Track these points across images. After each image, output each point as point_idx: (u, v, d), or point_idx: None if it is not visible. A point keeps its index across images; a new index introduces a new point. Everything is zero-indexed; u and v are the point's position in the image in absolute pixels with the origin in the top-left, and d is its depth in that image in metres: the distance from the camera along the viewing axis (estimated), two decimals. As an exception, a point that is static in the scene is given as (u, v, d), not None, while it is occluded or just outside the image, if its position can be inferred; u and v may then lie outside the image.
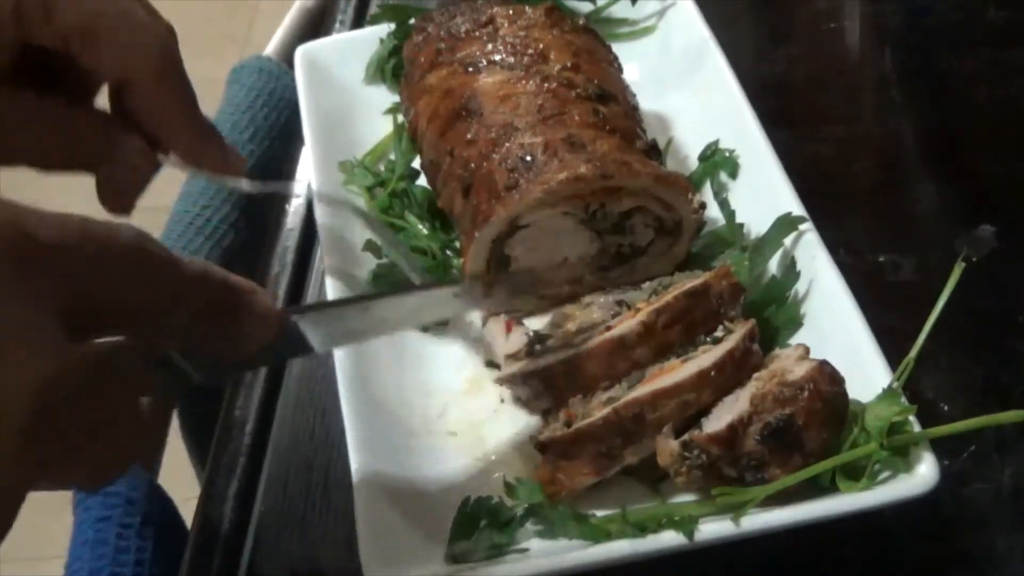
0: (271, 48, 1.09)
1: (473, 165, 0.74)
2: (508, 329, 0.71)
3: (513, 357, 0.69)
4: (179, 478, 0.86)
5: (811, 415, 0.59)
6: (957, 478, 0.66)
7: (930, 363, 0.63)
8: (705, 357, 0.63)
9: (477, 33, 0.82)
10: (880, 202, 0.84)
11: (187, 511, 0.74)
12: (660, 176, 0.72)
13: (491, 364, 0.72)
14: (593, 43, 0.84)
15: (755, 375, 0.62)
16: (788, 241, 0.71)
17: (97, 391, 0.45)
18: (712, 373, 0.61)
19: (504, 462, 0.67)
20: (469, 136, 0.76)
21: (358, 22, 1.04)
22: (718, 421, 0.60)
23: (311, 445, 0.74)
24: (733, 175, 0.79)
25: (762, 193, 0.75)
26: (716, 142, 0.81)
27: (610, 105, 0.78)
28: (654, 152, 0.78)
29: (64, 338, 0.42)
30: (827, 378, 0.60)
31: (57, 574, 0.71)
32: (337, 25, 1.05)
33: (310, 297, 0.82)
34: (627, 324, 0.65)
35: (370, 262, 0.77)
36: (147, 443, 0.49)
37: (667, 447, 0.60)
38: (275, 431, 0.74)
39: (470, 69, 0.80)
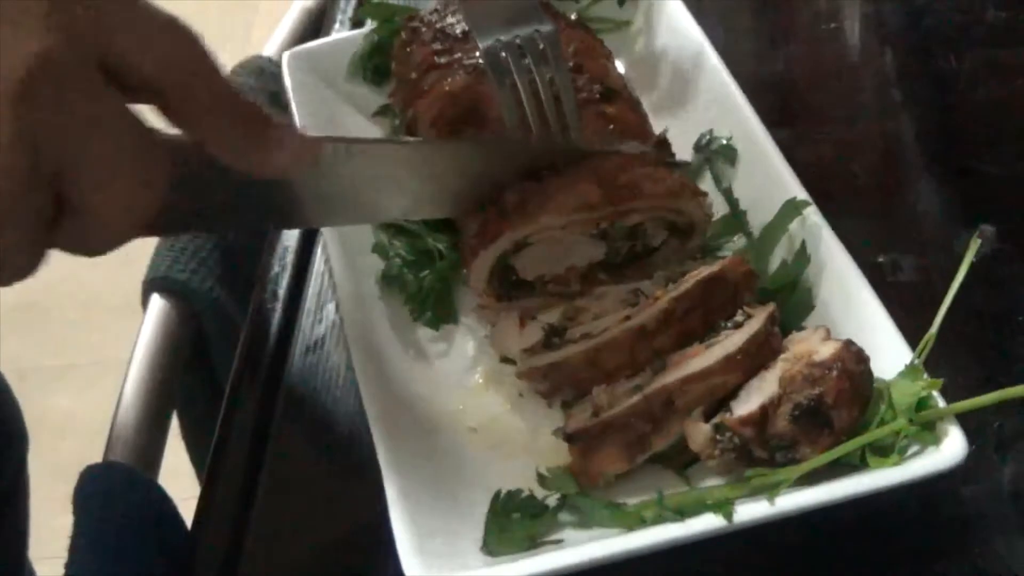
0: (271, 48, 1.09)
1: None
2: (521, 324, 0.71)
3: (530, 351, 0.69)
4: (179, 478, 0.86)
5: (840, 394, 0.60)
6: (957, 478, 0.66)
7: (930, 363, 0.63)
8: (730, 341, 0.64)
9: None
10: (880, 202, 0.84)
11: (187, 511, 0.74)
12: (671, 192, 0.72)
13: (506, 360, 0.72)
14: (588, 38, 0.84)
15: (781, 357, 0.63)
16: (793, 226, 0.72)
17: (93, 99, 0.49)
18: (738, 357, 0.62)
19: (529, 455, 0.67)
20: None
21: (358, 22, 1.04)
22: (747, 404, 0.61)
23: (311, 445, 0.74)
24: (731, 163, 0.80)
25: (762, 179, 0.76)
26: (710, 131, 0.81)
27: (616, 102, 0.78)
28: (664, 146, 0.78)
29: (63, 43, 0.47)
30: (854, 357, 0.61)
31: (57, 574, 0.71)
32: (337, 25, 1.05)
33: (310, 297, 0.82)
34: (647, 313, 0.66)
35: (379, 264, 0.77)
36: (143, 185, 0.52)
37: (699, 431, 0.61)
38: (275, 431, 0.74)
39: (472, 72, 0.79)
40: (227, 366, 0.81)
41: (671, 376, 0.63)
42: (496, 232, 0.71)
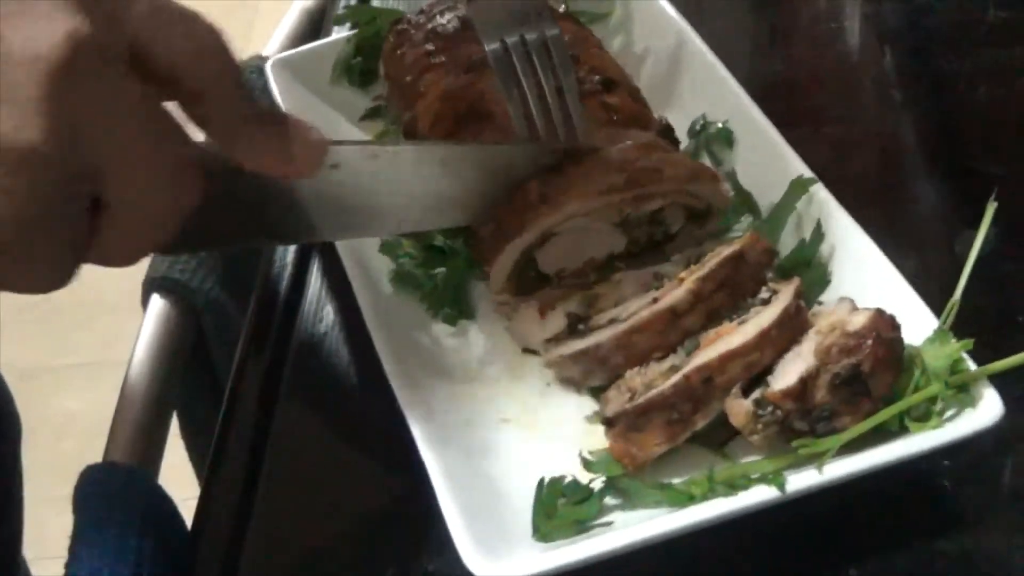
0: (271, 48, 1.09)
1: None
2: (541, 314, 0.72)
3: (553, 341, 0.70)
4: (179, 478, 0.86)
5: (877, 362, 0.61)
6: (957, 478, 0.66)
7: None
8: (763, 317, 0.65)
9: (467, 32, 0.82)
10: (880, 202, 0.84)
11: (187, 511, 0.74)
12: (691, 175, 0.73)
13: (527, 351, 0.73)
14: (579, 29, 0.84)
15: (814, 330, 0.64)
16: (799, 203, 0.73)
17: (126, 87, 0.48)
18: (773, 332, 0.63)
19: (564, 442, 0.68)
20: (482, 139, 0.76)
21: (355, 23, 1.04)
22: (785, 377, 0.62)
23: (311, 444, 0.74)
24: (729, 146, 0.80)
25: (763, 160, 0.77)
26: (703, 116, 0.82)
27: (616, 92, 0.78)
28: (668, 132, 0.78)
29: (90, 25, 0.46)
30: (887, 324, 0.62)
31: (57, 574, 0.71)
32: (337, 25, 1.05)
33: (310, 298, 0.82)
34: (675, 294, 0.67)
35: (388, 264, 0.77)
36: (178, 183, 0.51)
37: (740, 407, 0.62)
38: (275, 430, 0.74)
39: (470, 70, 0.79)
40: (227, 366, 0.81)
41: (708, 354, 0.64)
42: (522, 224, 0.71)
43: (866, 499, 0.65)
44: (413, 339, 0.74)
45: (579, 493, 0.63)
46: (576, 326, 0.70)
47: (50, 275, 0.50)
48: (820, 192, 0.74)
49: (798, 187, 0.74)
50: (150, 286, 0.91)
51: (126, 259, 0.54)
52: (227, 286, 0.92)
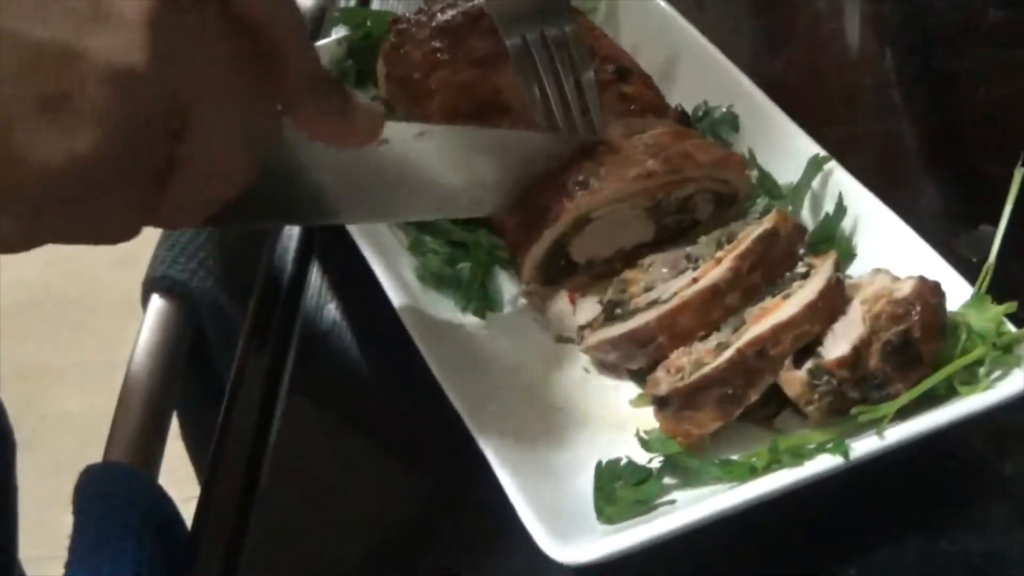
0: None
1: None
2: (572, 302, 0.72)
3: (590, 327, 0.71)
4: (179, 478, 0.86)
5: (926, 328, 0.63)
6: (957, 477, 0.66)
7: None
8: (808, 290, 0.65)
9: (473, 27, 0.82)
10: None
11: (187, 511, 0.74)
12: (721, 161, 0.74)
13: (561, 339, 0.74)
14: (585, 20, 0.84)
15: (858, 300, 0.65)
16: (816, 183, 0.76)
17: (219, 31, 0.48)
18: (820, 304, 0.65)
19: (611, 426, 0.68)
20: None
21: (356, 24, 1.04)
22: (836, 347, 0.63)
23: (312, 444, 0.74)
24: (735, 129, 0.82)
25: (771, 140, 0.79)
26: (705, 102, 0.83)
27: (631, 81, 0.79)
28: (684, 118, 0.79)
29: None
30: (932, 291, 0.64)
31: (57, 574, 0.71)
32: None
33: (310, 297, 0.82)
34: (715, 273, 0.68)
35: (413, 262, 0.77)
36: (257, 137, 0.51)
37: (795, 379, 0.63)
38: (275, 431, 0.74)
39: (481, 64, 0.80)
40: (227, 366, 0.81)
41: (759, 328, 0.64)
42: (561, 210, 0.72)
43: (866, 499, 0.65)
44: (447, 335, 0.73)
45: (638, 474, 0.64)
46: (613, 311, 0.71)
47: (122, 225, 0.49)
48: (836, 169, 0.76)
49: (814, 164, 0.76)
50: (150, 286, 0.91)
51: (190, 217, 0.53)
52: (227, 286, 0.92)
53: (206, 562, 0.69)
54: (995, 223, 0.71)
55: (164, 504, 0.76)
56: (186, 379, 0.89)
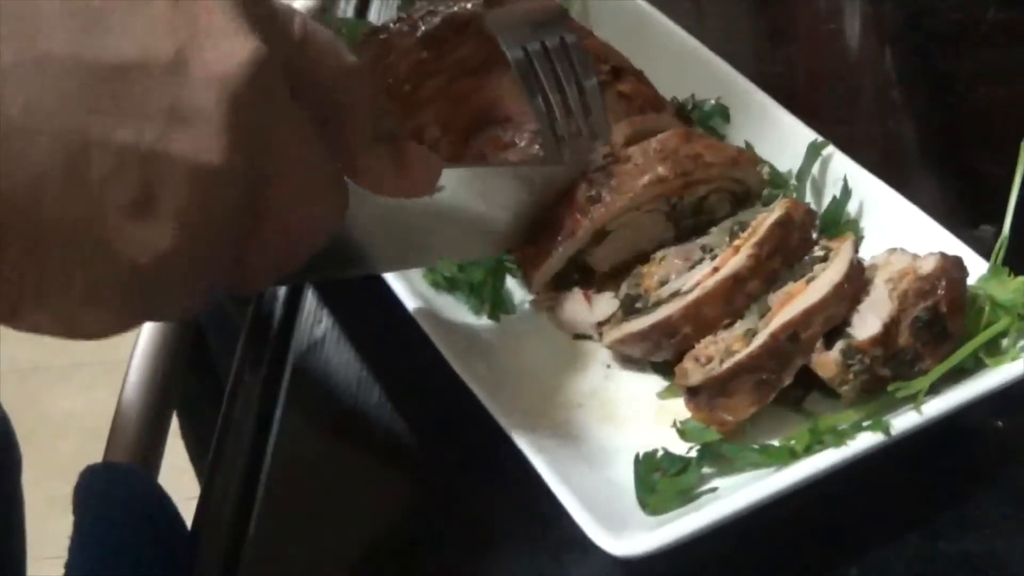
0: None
1: None
2: (588, 300, 0.73)
3: (608, 323, 0.71)
4: (179, 478, 0.86)
5: (952, 302, 0.64)
6: (957, 477, 0.66)
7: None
8: (831, 272, 0.66)
9: (460, 35, 0.82)
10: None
11: (187, 511, 0.74)
12: (731, 160, 0.74)
13: (578, 337, 0.74)
14: (571, 20, 0.84)
15: (881, 279, 0.66)
16: (815, 169, 0.77)
17: (291, 107, 0.49)
18: (845, 285, 0.65)
19: (642, 418, 0.69)
20: (504, 142, 0.76)
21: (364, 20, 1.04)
22: (865, 326, 0.64)
23: (312, 445, 0.74)
24: (727, 121, 0.82)
25: (762, 129, 0.79)
26: (692, 96, 0.83)
27: (626, 79, 0.78)
28: (682, 112, 0.79)
29: (267, 46, 0.47)
30: (954, 265, 0.65)
31: (57, 574, 0.71)
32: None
33: (310, 297, 0.82)
34: (735, 261, 0.68)
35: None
36: (330, 208, 0.52)
37: (828, 360, 0.64)
38: (275, 431, 0.74)
39: (472, 72, 0.79)
40: (227, 366, 0.81)
41: (789, 312, 0.65)
42: (575, 228, 0.72)
43: (866, 499, 0.65)
44: (466, 339, 0.73)
45: (676, 464, 0.64)
46: (632, 305, 0.71)
47: (194, 305, 0.50)
48: (835, 153, 0.77)
49: (814, 150, 0.77)
50: (150, 286, 0.90)
51: (261, 285, 0.53)
52: (227, 286, 0.92)
53: (206, 562, 0.69)
54: (995, 223, 0.71)
55: (164, 504, 0.76)
56: (186, 379, 0.89)
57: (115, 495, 0.74)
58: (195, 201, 0.45)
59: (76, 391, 2.13)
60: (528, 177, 0.72)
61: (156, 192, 0.45)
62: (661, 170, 0.72)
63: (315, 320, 0.79)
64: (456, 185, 0.67)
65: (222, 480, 0.72)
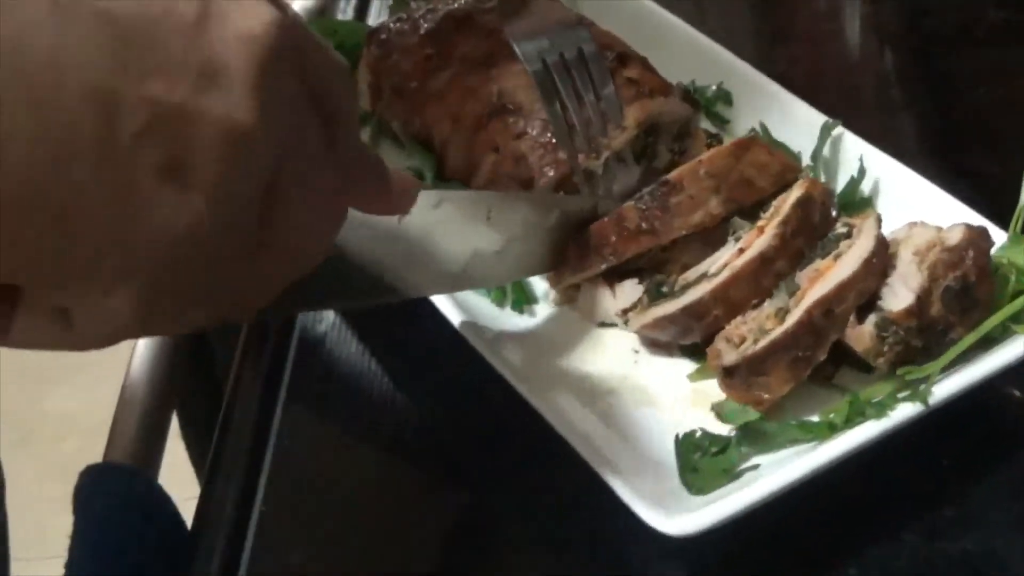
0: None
1: (532, 160, 0.75)
2: (612, 287, 0.73)
3: (633, 308, 0.72)
4: (179, 478, 0.86)
5: (980, 271, 0.65)
6: (957, 477, 0.66)
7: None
8: (859, 248, 0.67)
9: (462, 29, 0.82)
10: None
11: (187, 511, 0.74)
12: (780, 177, 0.74)
13: (604, 324, 0.74)
14: (585, 26, 0.84)
15: (911, 250, 0.67)
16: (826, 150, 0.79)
17: (303, 93, 0.47)
18: (874, 260, 0.66)
19: (677, 400, 0.70)
20: (516, 131, 0.77)
21: (359, 21, 1.04)
22: (897, 298, 0.65)
23: (312, 444, 0.74)
24: (729, 104, 0.84)
25: (767, 113, 0.81)
26: (692, 82, 0.84)
27: (633, 65, 0.79)
28: (688, 96, 0.80)
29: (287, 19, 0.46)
30: (980, 235, 0.67)
31: (57, 574, 0.71)
32: (337, 25, 1.05)
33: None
34: (761, 241, 0.69)
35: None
36: (336, 201, 0.51)
37: (863, 333, 0.65)
38: (275, 430, 0.74)
39: (479, 64, 0.80)
40: (227, 366, 0.81)
41: (821, 289, 0.65)
42: (621, 250, 0.72)
43: (866, 499, 0.65)
44: (491, 330, 0.73)
45: (716, 444, 0.65)
46: (659, 290, 0.71)
47: (206, 314, 0.47)
48: (846, 133, 0.78)
49: (826, 130, 0.78)
50: (150, 286, 0.90)
51: (269, 294, 0.51)
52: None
53: (206, 562, 0.69)
54: (995, 222, 0.71)
55: (164, 504, 0.76)
56: (186, 379, 0.89)
57: (115, 495, 0.74)
58: (224, 164, 0.43)
59: (76, 391, 2.12)
60: (544, 205, 0.72)
61: (188, 153, 0.43)
62: (714, 204, 0.72)
63: (315, 319, 0.79)
64: (454, 209, 0.67)
65: (222, 480, 0.72)
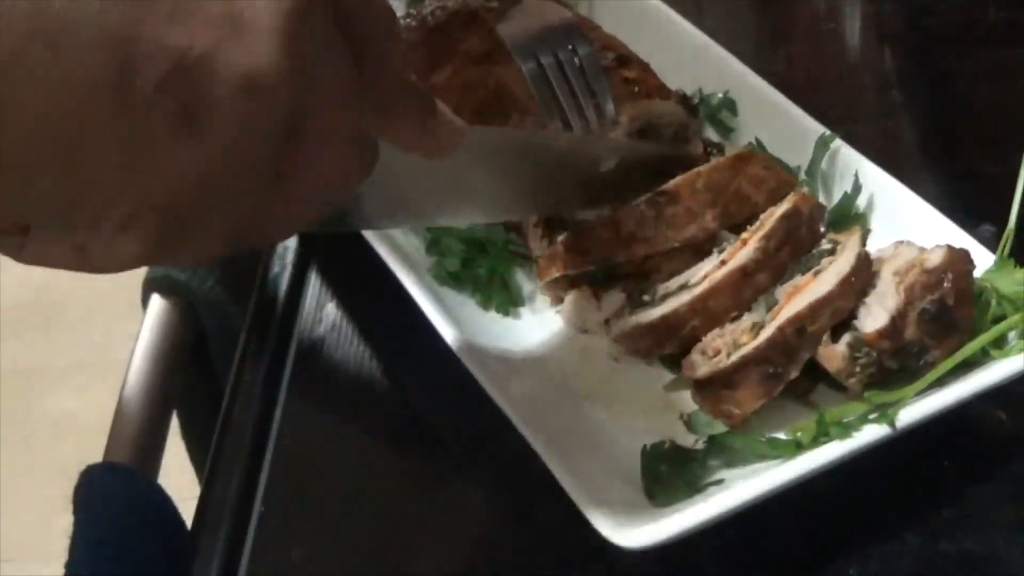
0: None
1: None
2: (597, 297, 0.73)
3: (616, 316, 0.72)
4: (179, 478, 0.86)
5: (959, 294, 0.64)
6: (957, 477, 0.66)
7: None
8: (838, 265, 0.66)
9: (466, 26, 0.83)
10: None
11: (187, 511, 0.74)
12: (776, 193, 0.74)
13: (586, 330, 0.74)
14: (575, 12, 0.84)
15: (889, 271, 0.66)
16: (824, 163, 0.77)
17: (337, 39, 0.47)
18: (852, 279, 0.65)
19: (649, 410, 0.69)
20: (512, 125, 0.77)
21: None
22: (872, 319, 0.64)
23: (312, 445, 0.74)
24: (734, 114, 0.83)
25: (770, 124, 0.80)
26: (699, 90, 0.84)
27: (631, 67, 0.79)
28: (686, 101, 0.80)
29: None
30: (961, 258, 0.65)
31: (57, 574, 0.71)
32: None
33: (310, 297, 0.82)
34: (743, 254, 0.68)
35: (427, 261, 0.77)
36: (363, 140, 0.50)
37: (835, 353, 0.64)
38: (275, 431, 0.74)
39: (480, 60, 0.80)
40: (227, 366, 0.81)
41: (796, 306, 0.65)
42: (611, 255, 0.72)
43: (865, 499, 0.65)
44: (472, 332, 0.73)
45: (683, 455, 0.64)
46: (640, 298, 0.71)
47: (226, 242, 0.47)
48: (843, 147, 0.77)
49: (823, 144, 0.77)
50: (150, 286, 0.91)
51: (288, 230, 0.51)
52: (227, 286, 0.92)
53: (206, 562, 0.69)
54: (996, 222, 0.71)
55: (164, 504, 0.76)
56: (186, 379, 0.89)
57: (115, 495, 0.74)
58: (245, 112, 0.43)
59: (76, 391, 2.12)
60: (535, 144, 0.72)
61: (205, 104, 0.42)
62: (709, 218, 0.72)
63: (315, 319, 0.79)
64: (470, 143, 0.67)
65: (222, 480, 0.72)
